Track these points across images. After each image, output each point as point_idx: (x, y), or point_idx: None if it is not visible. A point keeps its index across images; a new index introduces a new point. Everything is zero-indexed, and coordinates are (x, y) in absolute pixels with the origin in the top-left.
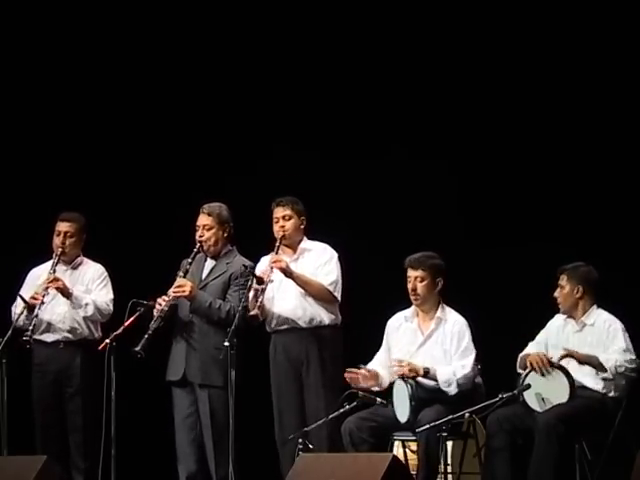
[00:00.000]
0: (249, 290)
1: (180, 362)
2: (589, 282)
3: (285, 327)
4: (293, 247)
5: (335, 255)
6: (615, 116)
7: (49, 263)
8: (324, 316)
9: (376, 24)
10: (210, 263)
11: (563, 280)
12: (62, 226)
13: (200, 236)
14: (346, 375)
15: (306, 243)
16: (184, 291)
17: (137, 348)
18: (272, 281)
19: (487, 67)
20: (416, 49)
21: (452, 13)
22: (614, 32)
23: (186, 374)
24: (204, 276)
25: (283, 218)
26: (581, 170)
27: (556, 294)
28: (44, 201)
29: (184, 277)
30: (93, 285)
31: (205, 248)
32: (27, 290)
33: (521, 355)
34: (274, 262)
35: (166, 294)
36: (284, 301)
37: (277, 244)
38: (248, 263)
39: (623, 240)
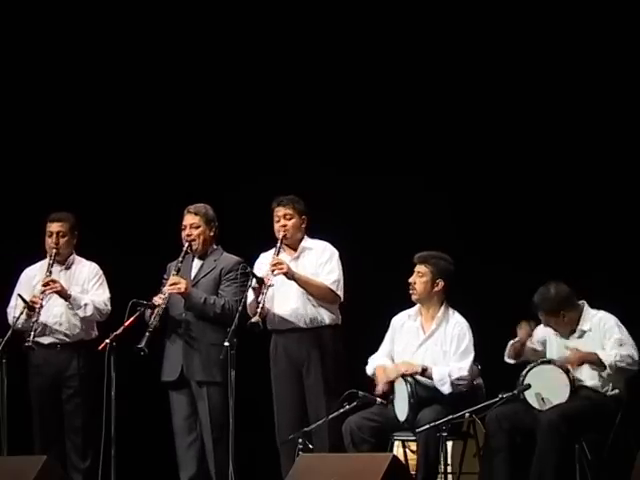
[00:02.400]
0: (247, 291)
1: (176, 361)
2: (568, 303)
3: (286, 327)
4: (294, 246)
5: (336, 253)
6: (611, 121)
7: (42, 263)
8: (325, 316)
9: (378, 38)
10: (197, 262)
11: (551, 322)
12: (53, 226)
13: (188, 235)
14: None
15: (307, 242)
16: (179, 288)
17: (141, 345)
18: (272, 285)
19: (487, 84)
20: (415, 62)
21: (452, 27)
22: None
23: (183, 373)
24: (193, 275)
25: (284, 217)
26: (579, 173)
27: (552, 325)
28: (35, 201)
29: (177, 275)
30: (89, 285)
31: (194, 247)
32: (22, 290)
33: (511, 342)
34: (275, 266)
35: (161, 292)
36: (286, 301)
37: (278, 244)
38: (238, 259)
39: (623, 240)
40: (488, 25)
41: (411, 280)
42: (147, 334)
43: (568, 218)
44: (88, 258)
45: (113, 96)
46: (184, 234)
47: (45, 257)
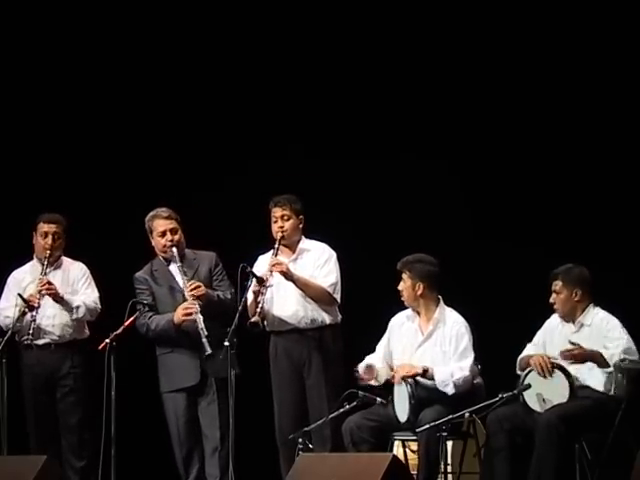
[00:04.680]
0: (247, 292)
1: (194, 366)
2: (584, 282)
3: (286, 329)
4: (292, 247)
5: (334, 255)
6: (613, 117)
7: (30, 264)
8: (325, 316)
9: (378, 26)
10: (176, 266)
11: (558, 285)
12: (49, 228)
13: (171, 240)
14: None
15: (305, 243)
16: (202, 291)
17: (208, 352)
18: (271, 285)
19: (495, 73)
20: (418, 48)
21: (456, 18)
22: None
23: (207, 374)
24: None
25: (282, 218)
26: (580, 170)
27: (552, 300)
28: (20, 203)
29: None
30: (78, 285)
31: (180, 251)
32: (13, 293)
33: (520, 357)
34: (274, 265)
35: (186, 300)
36: (285, 303)
37: (276, 245)
38: (212, 252)
39: (623, 239)
40: (498, 9)
41: (399, 287)
42: (205, 340)
43: (570, 219)
44: (85, 258)
45: (100, 97)
46: (166, 239)
47: (29, 259)
